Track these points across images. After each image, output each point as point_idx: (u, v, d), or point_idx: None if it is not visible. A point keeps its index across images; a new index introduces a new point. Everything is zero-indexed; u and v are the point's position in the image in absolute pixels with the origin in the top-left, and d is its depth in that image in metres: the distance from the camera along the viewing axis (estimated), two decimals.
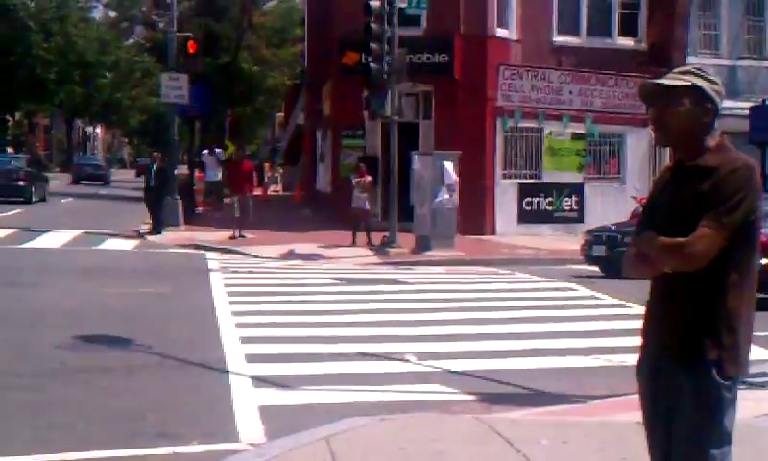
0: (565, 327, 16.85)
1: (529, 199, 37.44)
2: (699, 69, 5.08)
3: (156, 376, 12.27)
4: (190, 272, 23.98)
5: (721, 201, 4.76)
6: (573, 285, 23.35)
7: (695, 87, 4.95)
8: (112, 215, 42.06)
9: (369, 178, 31.64)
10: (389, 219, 30.63)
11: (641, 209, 5.43)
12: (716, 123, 5.03)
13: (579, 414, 10.48)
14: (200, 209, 42.30)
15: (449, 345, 14.79)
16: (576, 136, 38.28)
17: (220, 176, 45.87)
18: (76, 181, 77.33)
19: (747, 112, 36.48)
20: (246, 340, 14.47)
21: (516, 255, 30.36)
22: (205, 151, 49.09)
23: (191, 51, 38.01)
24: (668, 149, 5.19)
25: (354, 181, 31.49)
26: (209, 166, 47.03)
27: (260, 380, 11.83)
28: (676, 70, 5.10)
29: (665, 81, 4.99)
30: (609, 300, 20.61)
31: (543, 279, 24.69)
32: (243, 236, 31.78)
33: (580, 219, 37.27)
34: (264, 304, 18.32)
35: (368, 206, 31.30)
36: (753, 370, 11.40)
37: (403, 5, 30.54)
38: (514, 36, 37.86)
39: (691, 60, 37.27)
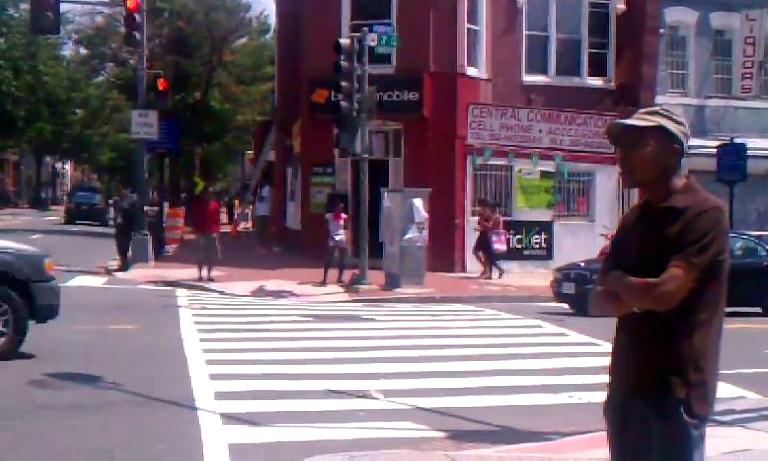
0: (534, 365, 16.87)
1: None
2: (666, 110, 5.11)
3: (125, 413, 12.22)
4: (159, 309, 23.89)
5: (691, 242, 4.80)
6: (542, 322, 23.39)
7: (661, 128, 4.98)
8: (81, 251, 41.86)
9: (344, 216, 31.54)
10: (359, 256, 30.63)
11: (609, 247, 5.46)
12: (682, 163, 5.08)
13: (549, 451, 10.50)
14: (169, 249, 42.13)
15: (419, 382, 14.80)
16: (545, 174, 38.41)
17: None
18: (70, 221, 71.11)
19: (715, 151, 36.85)
20: (215, 377, 14.44)
21: (486, 293, 30.41)
22: (266, 187, 49.54)
23: (161, 88, 37.94)
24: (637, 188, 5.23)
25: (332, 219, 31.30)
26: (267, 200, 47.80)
27: (229, 417, 11.81)
28: (643, 111, 5.12)
29: (632, 122, 5.03)
30: (577, 337, 20.65)
31: (512, 316, 24.73)
32: (212, 279, 31.17)
33: (549, 256, 37.35)
34: (233, 342, 18.29)
35: (345, 244, 31.28)
36: (721, 407, 11.49)
37: (373, 43, 30.63)
38: (483, 75, 38.02)
39: (659, 99, 37.81)
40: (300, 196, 41.18)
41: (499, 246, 34.25)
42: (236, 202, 71.95)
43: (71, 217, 72.03)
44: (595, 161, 38.08)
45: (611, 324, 5.13)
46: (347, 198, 35.69)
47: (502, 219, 35.06)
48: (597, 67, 40.25)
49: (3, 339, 15.72)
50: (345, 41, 29.91)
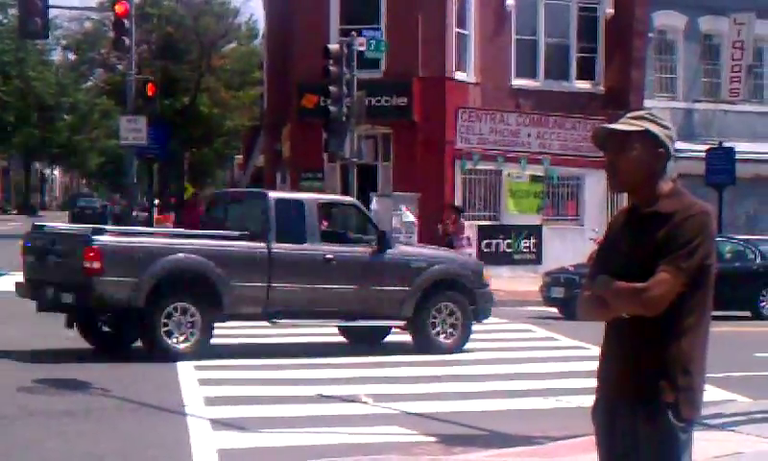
0: (523, 369, 16.89)
1: (488, 240, 37.48)
2: (652, 114, 5.10)
3: (115, 419, 12.21)
4: None
5: (678, 246, 4.79)
6: (531, 327, 23.41)
7: (648, 133, 4.98)
8: None
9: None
10: None
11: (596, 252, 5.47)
12: (669, 167, 5.08)
13: (538, 455, 10.51)
14: None
15: (408, 386, 14.80)
16: (534, 179, 38.42)
17: None
18: None
19: (703, 155, 36.86)
20: (204, 382, 14.43)
21: None
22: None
23: (150, 93, 37.90)
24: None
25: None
26: None
27: (219, 423, 11.80)
28: (629, 115, 5.11)
29: (618, 126, 5.02)
30: (566, 341, 20.68)
31: (501, 320, 24.71)
32: None
33: (538, 261, 37.36)
34: (223, 347, 18.25)
35: None
36: (710, 411, 11.52)
37: (362, 48, 30.65)
38: (472, 79, 38.03)
39: (648, 102, 37.82)
40: None
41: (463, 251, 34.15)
42: None
43: (77, 222, 72.35)
44: (584, 165, 38.04)
45: (599, 328, 5.14)
46: None
47: (466, 223, 34.84)
48: (586, 71, 40.27)
49: (454, 338, 18.43)
50: (334, 46, 29.90)
